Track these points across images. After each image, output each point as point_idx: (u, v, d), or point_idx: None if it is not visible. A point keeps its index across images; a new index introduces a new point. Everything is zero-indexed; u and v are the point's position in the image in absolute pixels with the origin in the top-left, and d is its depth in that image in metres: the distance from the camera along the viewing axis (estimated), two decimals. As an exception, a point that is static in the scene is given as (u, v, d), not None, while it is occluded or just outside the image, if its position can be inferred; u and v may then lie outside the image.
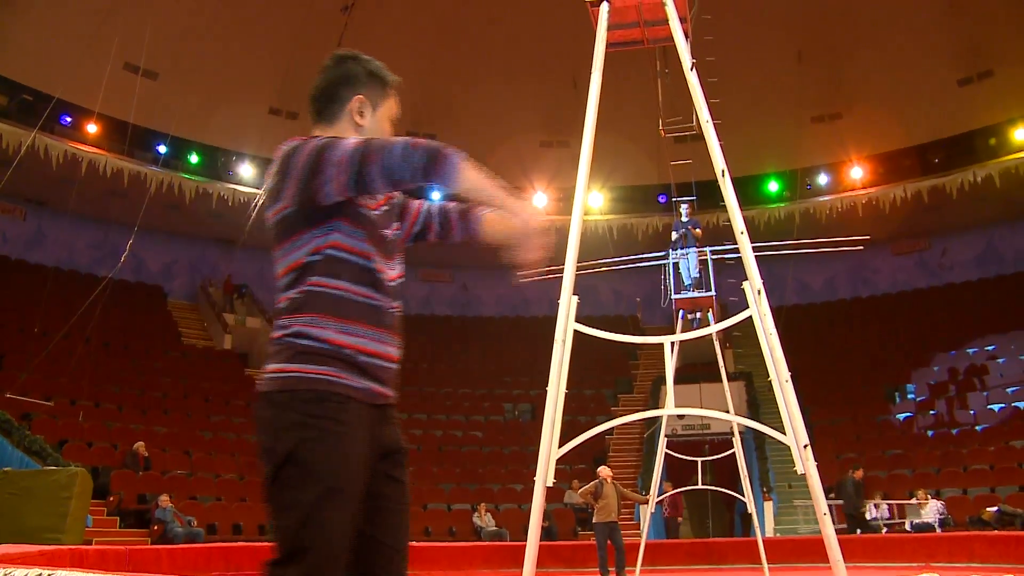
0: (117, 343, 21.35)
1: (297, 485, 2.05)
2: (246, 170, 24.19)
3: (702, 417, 15.28)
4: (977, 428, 19.03)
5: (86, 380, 17.80)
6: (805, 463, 4.38)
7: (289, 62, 22.13)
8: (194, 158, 23.73)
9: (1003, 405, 19.28)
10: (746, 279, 4.73)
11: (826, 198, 24.50)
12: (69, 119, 21.61)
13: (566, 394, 4.84)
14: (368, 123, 2.42)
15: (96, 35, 19.79)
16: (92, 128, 21.64)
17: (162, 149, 22.89)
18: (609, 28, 5.87)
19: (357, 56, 2.47)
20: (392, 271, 2.34)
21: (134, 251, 19.90)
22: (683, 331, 10.19)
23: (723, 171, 4.83)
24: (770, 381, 4.90)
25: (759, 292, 4.49)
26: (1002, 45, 21.43)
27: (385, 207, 2.40)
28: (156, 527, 14.19)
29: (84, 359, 17.90)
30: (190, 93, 22.26)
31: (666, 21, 5.94)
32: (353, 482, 2.10)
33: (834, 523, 4.57)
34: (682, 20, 5.97)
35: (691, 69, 5.32)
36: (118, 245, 20.94)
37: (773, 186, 25.13)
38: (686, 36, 5.95)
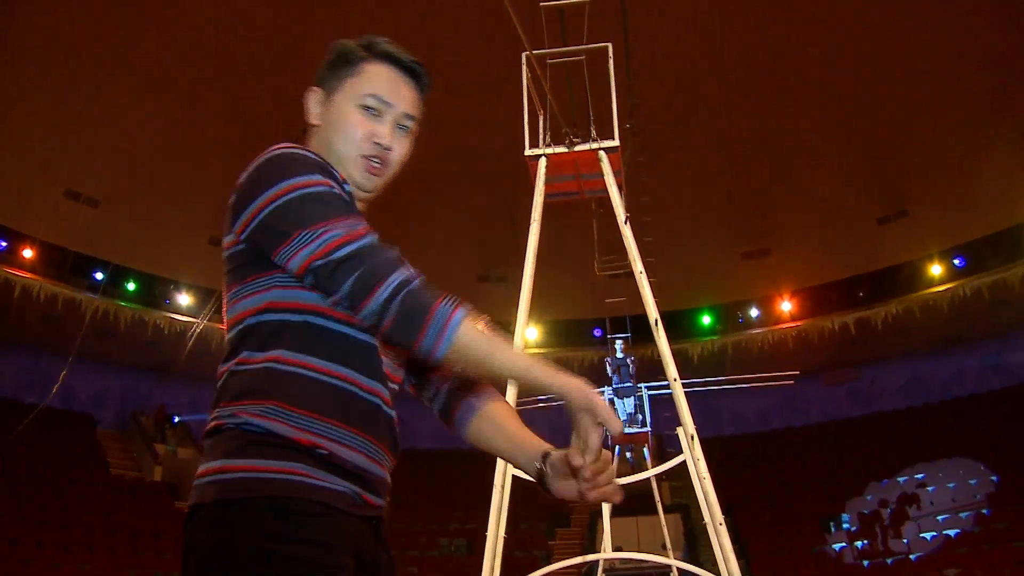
0: (41, 474, 20.55)
1: None
2: (183, 299, 24.08)
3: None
4: (911, 557, 19.17)
5: (4, 515, 17.05)
6: (740, 606, 4.48)
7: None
8: (131, 285, 23.56)
9: (935, 533, 19.52)
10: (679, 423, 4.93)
11: (758, 330, 25.23)
12: (4, 244, 21.41)
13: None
14: (321, 120, 1.80)
15: (38, 162, 19.88)
16: (28, 253, 21.43)
17: (99, 276, 22.72)
18: (547, 180, 6.20)
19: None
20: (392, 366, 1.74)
21: (64, 378, 19.50)
22: (619, 466, 10.29)
23: (656, 321, 5.09)
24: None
25: (692, 437, 4.68)
26: (914, 187, 22.72)
27: None
28: (72, 674, 13.42)
29: (2, 492, 17.21)
30: (131, 221, 22.27)
31: (602, 174, 6.29)
32: None
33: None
34: (616, 173, 6.33)
35: (625, 222, 5.63)
36: (47, 372, 20.47)
37: (706, 319, 25.84)
38: (620, 189, 6.30)
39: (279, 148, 1.68)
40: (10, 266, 21.36)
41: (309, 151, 1.70)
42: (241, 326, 1.64)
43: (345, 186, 1.73)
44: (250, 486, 1.47)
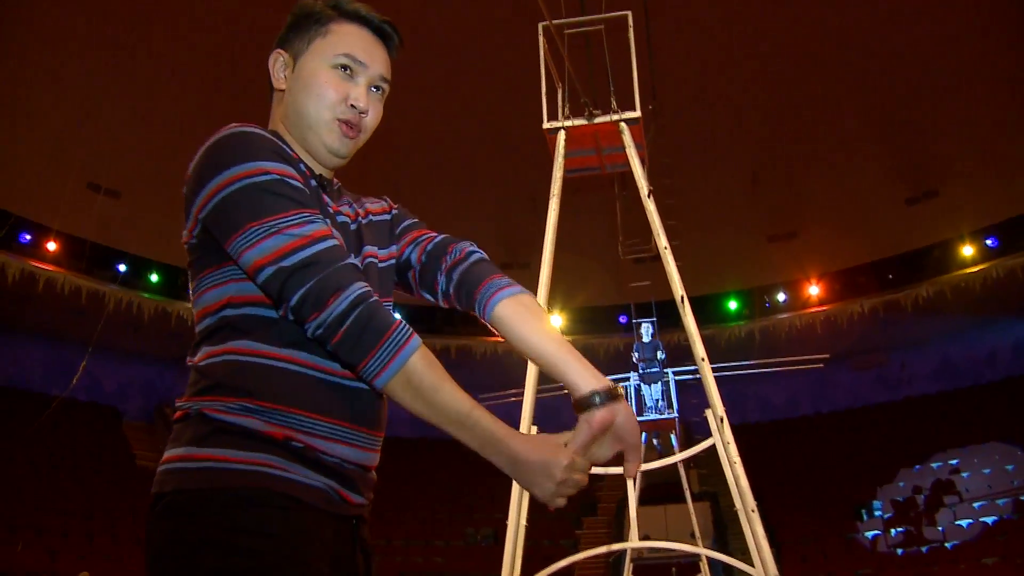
0: (66, 465, 20.65)
1: None
2: (206, 289, 24.10)
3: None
4: (947, 545, 18.82)
5: (29, 505, 17.11)
6: (774, 597, 4.25)
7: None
8: (154, 277, 23.59)
9: (971, 521, 19.14)
10: (708, 405, 4.70)
11: (785, 315, 24.85)
12: (28, 237, 21.47)
13: (527, 521, 4.70)
14: (288, 83, 1.66)
15: (59, 154, 19.88)
16: (51, 246, 21.49)
17: (122, 268, 22.76)
18: (567, 155, 5.96)
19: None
20: None
21: (89, 370, 19.53)
22: (647, 453, 10.05)
23: (682, 297, 4.85)
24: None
25: (722, 420, 4.45)
26: (944, 167, 22.28)
27: (352, 224, 1.72)
28: (98, 665, 13.41)
29: (28, 483, 17.27)
30: (152, 212, 22.24)
31: (623, 147, 6.04)
32: None
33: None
34: (638, 147, 6.08)
35: (648, 196, 5.39)
36: (72, 364, 20.45)
37: (732, 304, 25.50)
38: (643, 162, 6.05)
39: (228, 129, 1.56)
40: (34, 259, 21.44)
41: (262, 130, 1.57)
42: (206, 321, 1.56)
43: (301, 165, 1.60)
44: (213, 476, 1.38)
